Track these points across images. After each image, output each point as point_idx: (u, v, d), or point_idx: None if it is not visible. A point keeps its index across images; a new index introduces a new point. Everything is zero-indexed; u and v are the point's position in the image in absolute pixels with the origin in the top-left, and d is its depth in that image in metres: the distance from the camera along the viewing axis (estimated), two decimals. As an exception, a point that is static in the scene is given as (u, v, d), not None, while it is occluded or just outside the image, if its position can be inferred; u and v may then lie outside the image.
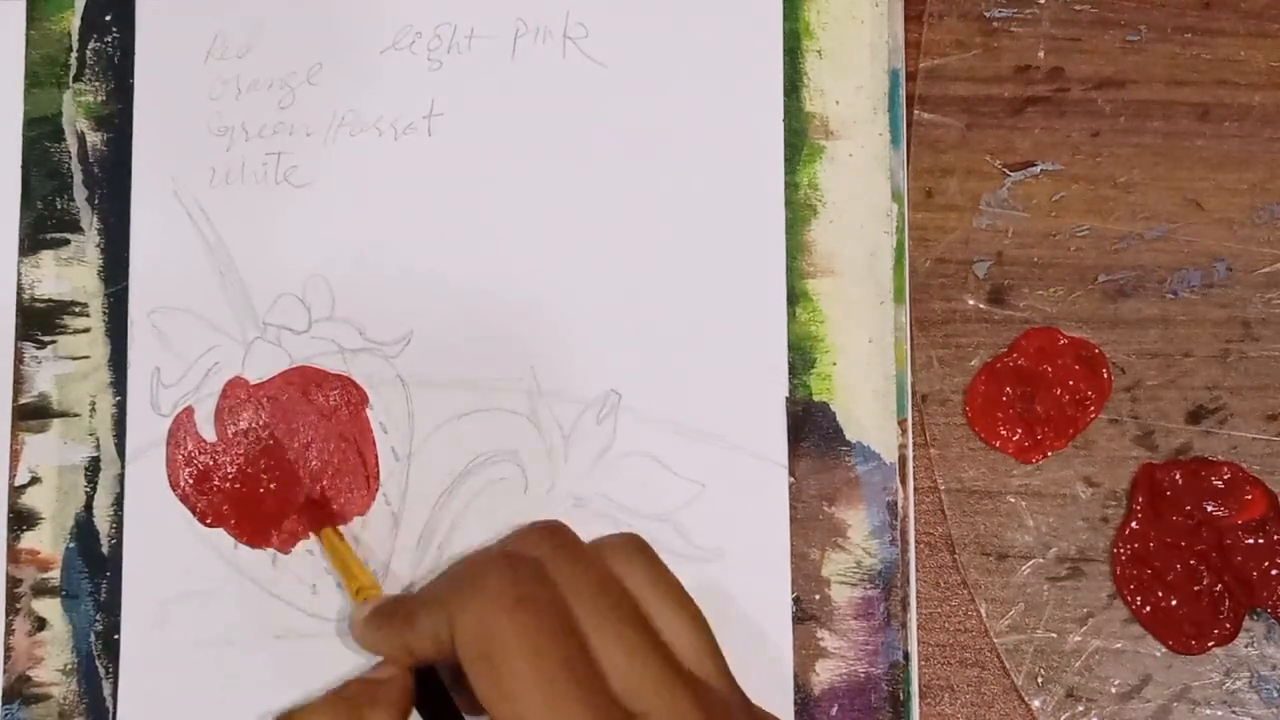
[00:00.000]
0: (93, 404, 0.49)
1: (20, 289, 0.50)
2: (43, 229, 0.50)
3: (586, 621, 0.40)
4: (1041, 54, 0.51)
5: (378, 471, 0.49)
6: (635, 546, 0.44)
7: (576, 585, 0.41)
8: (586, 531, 0.45)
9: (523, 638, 0.39)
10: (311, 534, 0.48)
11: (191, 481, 0.49)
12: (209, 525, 0.49)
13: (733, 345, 0.49)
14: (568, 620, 0.40)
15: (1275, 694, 0.48)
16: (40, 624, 0.49)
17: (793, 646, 0.48)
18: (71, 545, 0.49)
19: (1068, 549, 0.49)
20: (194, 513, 0.49)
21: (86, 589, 0.49)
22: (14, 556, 0.49)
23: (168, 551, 0.49)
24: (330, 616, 0.48)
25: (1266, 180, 0.51)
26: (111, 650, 0.48)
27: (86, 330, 0.50)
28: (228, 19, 0.51)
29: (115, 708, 0.48)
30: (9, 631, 0.49)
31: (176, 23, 0.51)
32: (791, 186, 0.50)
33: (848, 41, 0.50)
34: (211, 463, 0.49)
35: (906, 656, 0.48)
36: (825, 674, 0.48)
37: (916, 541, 0.49)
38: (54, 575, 0.49)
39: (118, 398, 0.49)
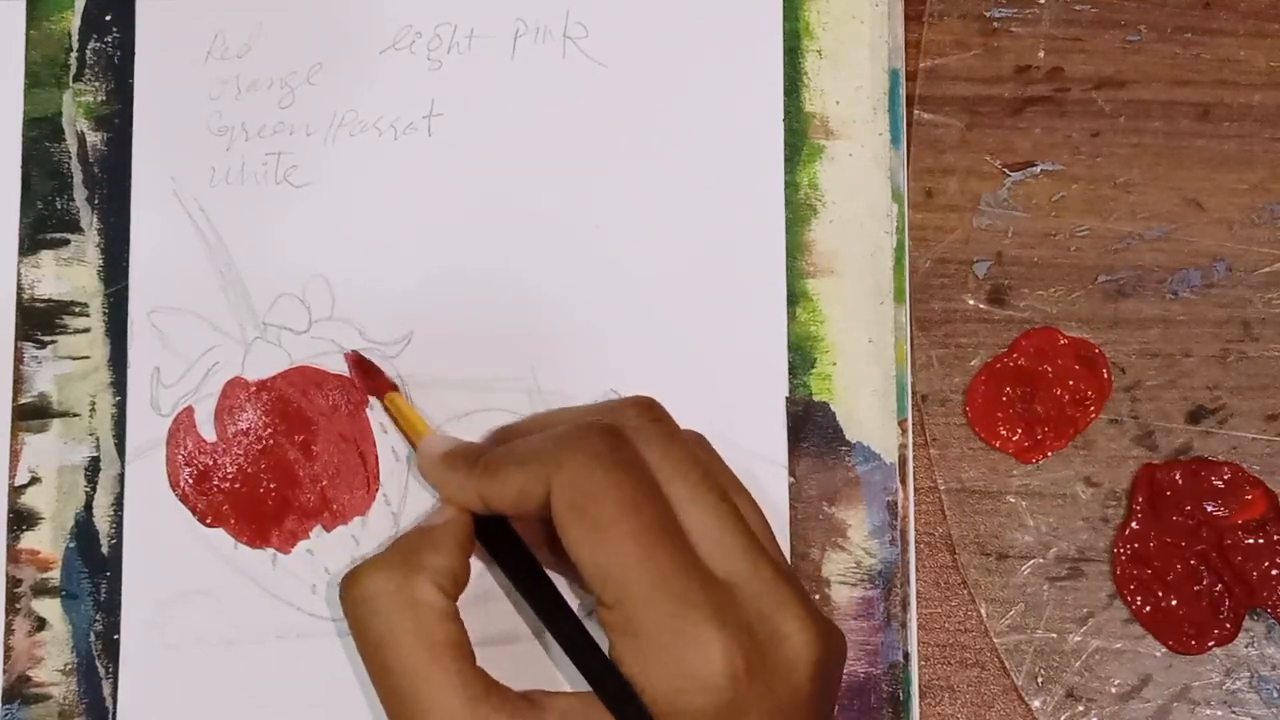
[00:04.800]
0: (93, 404, 0.49)
1: (20, 289, 0.50)
2: (43, 229, 0.50)
3: (678, 490, 0.42)
4: (1041, 54, 0.51)
5: (378, 471, 0.49)
6: (705, 440, 0.46)
7: (671, 455, 0.43)
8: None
9: (621, 494, 0.41)
10: (376, 399, 0.49)
11: (191, 481, 0.49)
12: (209, 525, 0.49)
13: (733, 345, 0.49)
14: (660, 487, 0.42)
15: (1275, 694, 0.48)
16: (40, 624, 0.49)
17: (793, 646, 0.48)
18: (71, 545, 0.49)
19: (1068, 549, 0.49)
20: (194, 513, 0.49)
21: (86, 589, 0.49)
22: (14, 556, 0.49)
23: (168, 551, 0.49)
24: (330, 616, 0.48)
25: (1266, 180, 0.51)
26: (111, 650, 0.48)
27: (86, 330, 0.50)
28: (228, 19, 0.51)
29: (115, 708, 0.48)
30: (9, 631, 0.49)
31: (176, 23, 0.51)
32: (791, 186, 0.50)
33: (848, 41, 0.50)
34: (211, 463, 0.49)
35: (906, 656, 0.48)
36: (825, 674, 0.48)
37: (916, 541, 0.49)
38: (54, 575, 0.49)
39: (118, 398, 0.49)
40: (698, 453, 0.44)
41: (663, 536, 0.41)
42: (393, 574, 0.43)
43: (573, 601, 0.45)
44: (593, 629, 0.43)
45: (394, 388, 0.49)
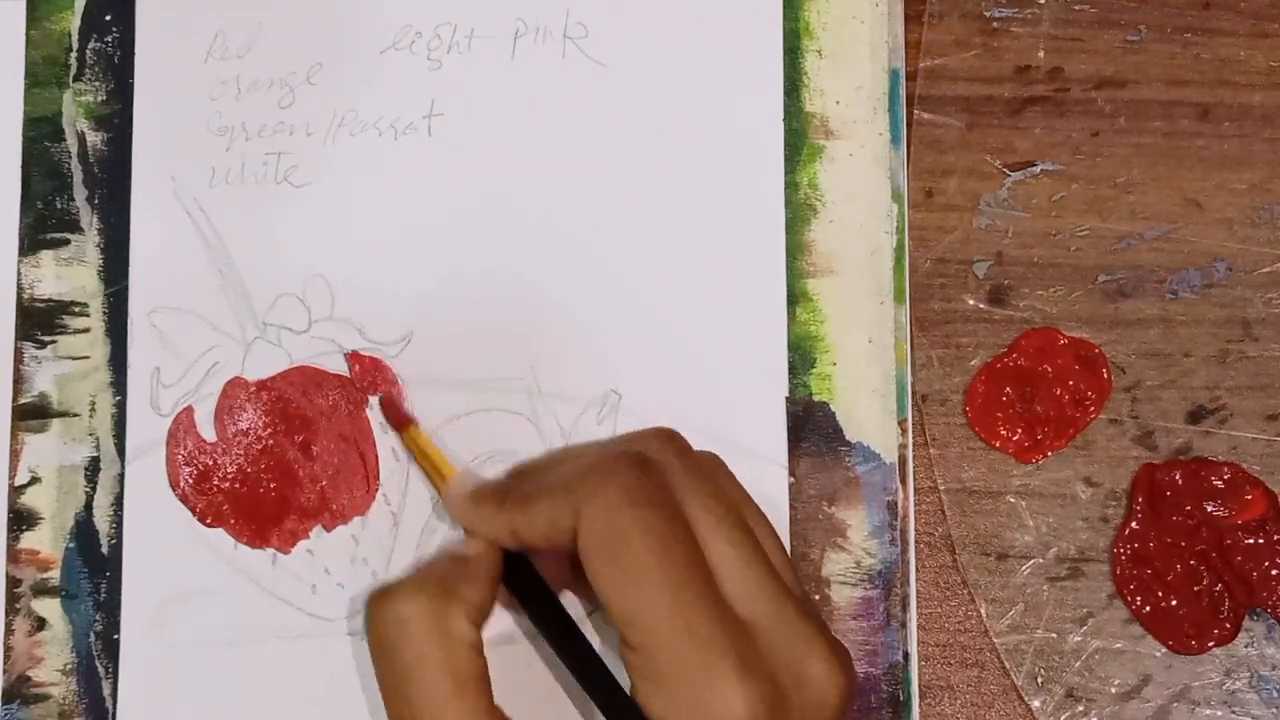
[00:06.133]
0: (93, 404, 0.49)
1: (20, 289, 0.50)
2: (43, 229, 0.50)
3: (703, 527, 0.42)
4: (1041, 54, 0.51)
5: (378, 471, 0.49)
6: (723, 464, 0.45)
7: (696, 491, 0.42)
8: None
9: (649, 534, 0.41)
10: (397, 434, 0.49)
11: (191, 481, 0.49)
12: (209, 525, 0.49)
13: (733, 345, 0.49)
14: (687, 523, 0.41)
15: (1275, 694, 0.48)
16: (40, 624, 0.49)
17: (793, 646, 0.48)
18: (71, 545, 0.49)
19: (1068, 549, 0.49)
20: (194, 513, 0.49)
21: (86, 589, 0.49)
22: (14, 556, 0.49)
23: (168, 551, 0.49)
24: (330, 616, 0.48)
25: (1266, 180, 0.51)
26: (111, 650, 0.48)
27: (86, 330, 0.50)
28: (228, 19, 0.51)
29: (115, 708, 0.48)
30: (9, 631, 0.49)
31: (176, 23, 0.51)
32: (791, 186, 0.50)
33: (848, 41, 0.50)
34: (211, 463, 0.49)
35: (906, 656, 0.48)
36: (825, 674, 0.48)
37: (916, 541, 0.49)
38: (54, 575, 0.49)
39: (118, 398, 0.49)
40: (721, 484, 0.44)
41: (691, 579, 0.40)
42: (430, 600, 0.42)
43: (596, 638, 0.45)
44: (608, 657, 0.43)
45: (412, 422, 0.48)
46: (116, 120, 0.51)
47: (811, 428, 0.49)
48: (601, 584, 0.41)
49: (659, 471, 0.42)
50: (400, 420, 0.48)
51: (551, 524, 0.42)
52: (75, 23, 0.51)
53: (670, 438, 0.44)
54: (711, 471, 0.44)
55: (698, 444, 0.49)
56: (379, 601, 0.43)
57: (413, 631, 0.42)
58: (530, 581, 0.45)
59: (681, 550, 0.41)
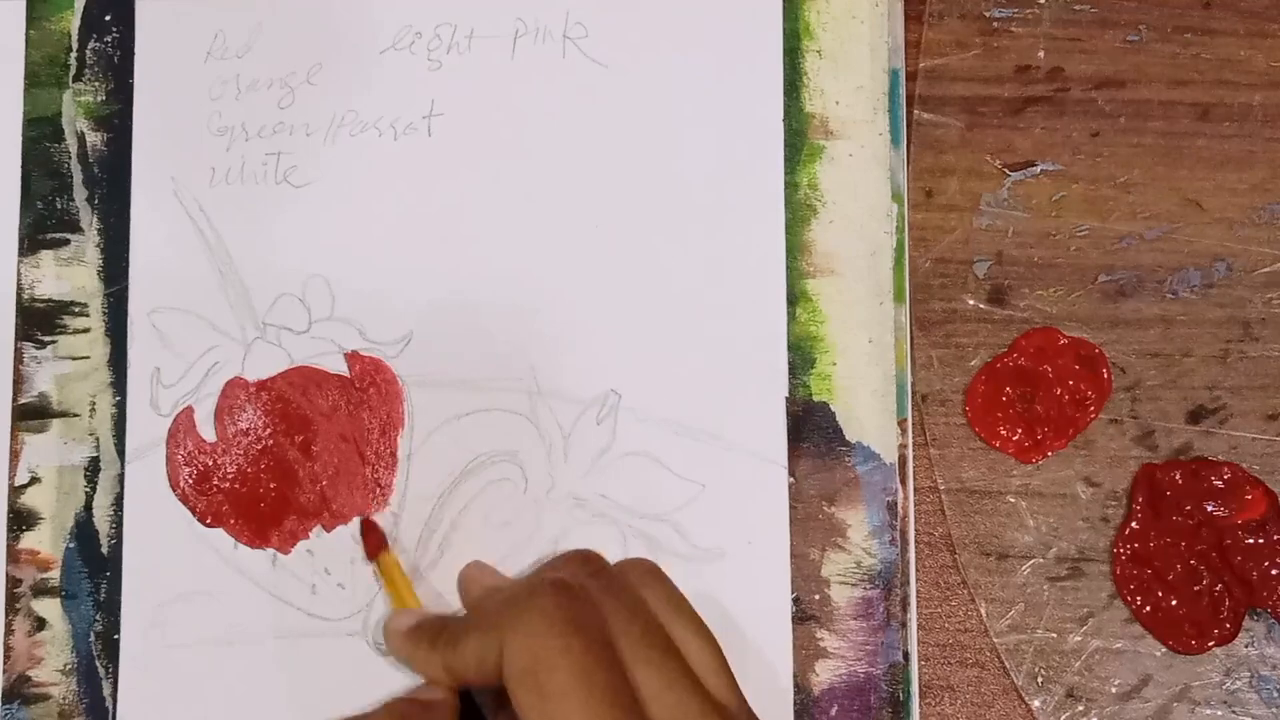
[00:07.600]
0: (93, 404, 0.49)
1: (20, 289, 0.50)
2: (43, 229, 0.50)
3: (626, 649, 0.41)
4: (1041, 54, 0.51)
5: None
6: (650, 568, 0.45)
7: (617, 612, 0.42)
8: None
9: (571, 660, 0.40)
10: (368, 558, 0.49)
11: (191, 481, 0.49)
12: (209, 525, 0.49)
13: (733, 345, 0.49)
14: (610, 646, 0.41)
15: (1275, 694, 0.48)
16: (40, 624, 0.49)
17: (793, 647, 0.48)
18: (71, 545, 0.49)
19: (1068, 549, 0.49)
20: (194, 513, 0.49)
21: (86, 589, 0.49)
22: (14, 556, 0.49)
23: (168, 551, 0.49)
24: (330, 616, 0.48)
25: (1266, 180, 0.51)
26: (111, 650, 0.48)
27: (86, 330, 0.50)
28: (228, 19, 0.51)
29: (115, 708, 0.48)
30: (9, 631, 0.49)
31: (176, 23, 0.51)
32: (791, 186, 0.50)
33: (848, 41, 0.50)
34: (211, 463, 0.49)
35: (906, 656, 0.48)
36: (825, 674, 0.48)
37: (916, 541, 0.49)
38: (54, 575, 0.49)
39: (118, 398, 0.49)
40: (642, 601, 0.43)
41: (612, 704, 0.40)
42: None
43: None
44: None
45: (384, 548, 0.48)
46: (116, 120, 0.51)
47: (811, 428, 0.49)
48: (526, 713, 0.40)
49: (581, 596, 0.42)
50: (376, 545, 0.48)
51: (480, 659, 0.42)
52: (75, 23, 0.51)
53: (586, 559, 0.44)
54: (639, 582, 0.44)
55: (698, 444, 0.49)
56: None
57: None
58: None
59: (603, 675, 0.40)
